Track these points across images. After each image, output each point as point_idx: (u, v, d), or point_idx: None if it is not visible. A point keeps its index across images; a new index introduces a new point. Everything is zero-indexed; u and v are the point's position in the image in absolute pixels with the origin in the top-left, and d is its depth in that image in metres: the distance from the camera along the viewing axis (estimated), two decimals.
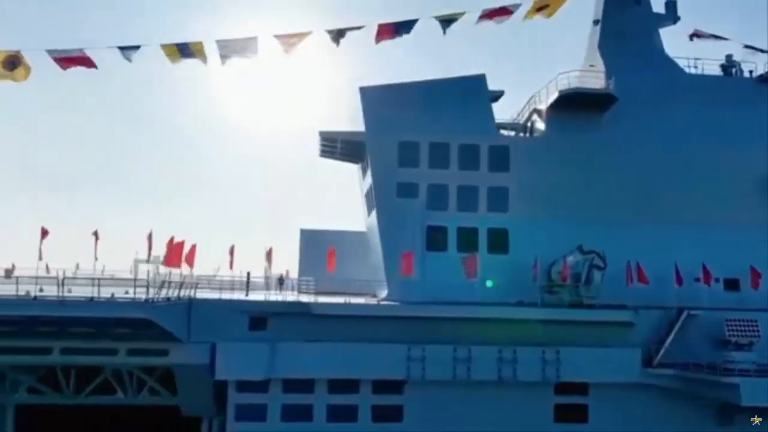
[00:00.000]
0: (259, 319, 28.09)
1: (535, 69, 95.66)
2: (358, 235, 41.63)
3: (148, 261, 34.32)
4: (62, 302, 22.11)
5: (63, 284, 22.37)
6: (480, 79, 32.65)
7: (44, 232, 26.78)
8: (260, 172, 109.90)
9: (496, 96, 34.02)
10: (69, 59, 35.29)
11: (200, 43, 34.18)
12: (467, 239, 31.69)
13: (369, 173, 33.40)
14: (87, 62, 35.24)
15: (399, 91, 32.06)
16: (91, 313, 22.82)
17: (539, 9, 33.73)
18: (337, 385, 28.26)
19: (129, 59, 34.46)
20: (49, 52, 35.59)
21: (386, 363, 27.85)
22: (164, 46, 34.45)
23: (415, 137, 31.87)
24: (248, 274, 36.10)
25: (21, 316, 22.84)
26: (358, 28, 33.96)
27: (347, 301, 28.60)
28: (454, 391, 28.31)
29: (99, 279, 22.45)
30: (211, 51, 33.68)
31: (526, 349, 28.29)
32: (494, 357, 28.14)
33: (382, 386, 28.46)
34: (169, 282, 24.38)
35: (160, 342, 26.58)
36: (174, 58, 34.42)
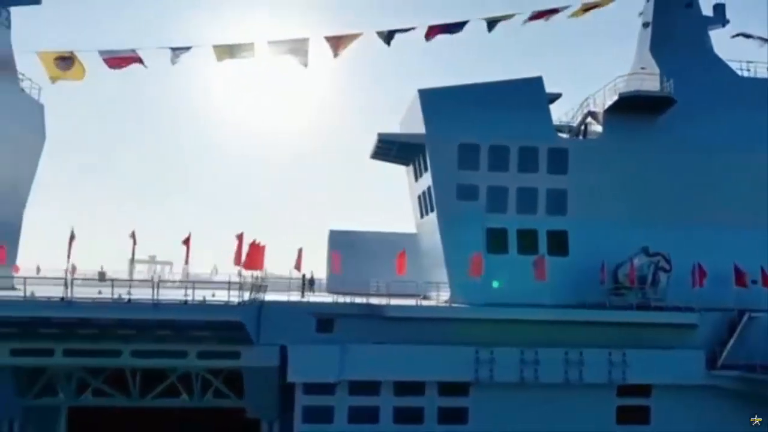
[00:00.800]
0: (327, 320, 28.15)
1: (566, 70, 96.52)
2: (386, 236, 41.96)
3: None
4: (156, 305, 22.08)
5: (158, 286, 22.39)
6: (537, 82, 32.71)
7: (133, 236, 26.72)
8: (291, 171, 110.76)
9: (553, 98, 34.13)
10: (119, 59, 35.53)
11: (252, 44, 34.53)
12: (527, 241, 31.77)
13: (426, 175, 33.42)
14: (136, 62, 35.49)
15: (458, 94, 32.10)
16: (184, 317, 22.79)
17: (587, 9, 34.17)
18: (403, 388, 28.33)
19: (175, 60, 34.85)
20: (101, 52, 35.86)
21: (454, 365, 27.94)
22: (216, 47, 34.77)
23: (475, 139, 31.90)
24: (305, 276, 36.21)
25: (113, 320, 22.85)
26: (410, 29, 34.33)
27: (419, 304, 28.68)
28: (519, 392, 28.38)
29: (193, 282, 22.33)
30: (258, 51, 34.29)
31: (592, 351, 28.40)
32: (561, 359, 28.26)
33: (447, 388, 28.55)
34: (257, 284, 24.33)
35: (231, 345, 26.64)
36: (223, 59, 34.71)
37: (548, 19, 33.42)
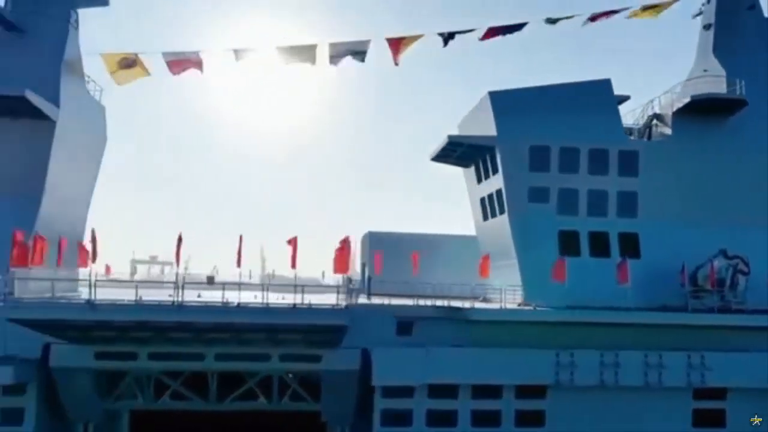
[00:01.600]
0: (407, 323, 28.09)
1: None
2: (424, 238, 42.09)
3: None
4: (267, 309, 22.02)
5: (267, 290, 22.34)
6: (607, 84, 32.66)
7: (240, 240, 26.69)
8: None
9: (621, 100, 34.08)
10: (180, 63, 35.53)
11: (314, 46, 34.50)
12: (599, 244, 31.73)
13: (493, 178, 33.40)
14: (197, 66, 35.50)
15: (529, 96, 32.06)
16: (293, 320, 22.73)
17: (646, 9, 34.20)
18: (481, 391, 28.27)
19: (236, 63, 34.85)
20: (164, 55, 35.84)
21: (534, 368, 27.87)
22: (279, 49, 34.75)
23: (545, 141, 31.87)
24: (370, 278, 36.14)
25: (218, 323, 22.80)
26: (470, 31, 34.31)
27: (502, 307, 28.64)
28: (597, 395, 28.32)
29: (303, 286, 22.25)
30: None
31: (671, 354, 28.33)
32: (641, 362, 28.18)
33: (525, 391, 28.49)
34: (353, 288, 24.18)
35: (314, 348, 26.58)
36: (285, 61, 34.71)
37: (608, 18, 33.64)
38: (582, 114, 32.08)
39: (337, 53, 34.32)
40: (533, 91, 32.15)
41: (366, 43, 33.68)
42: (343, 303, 23.42)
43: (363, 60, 34.14)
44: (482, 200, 35.90)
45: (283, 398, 28.67)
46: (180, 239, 27.17)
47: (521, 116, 31.87)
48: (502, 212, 32.95)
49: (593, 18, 33.71)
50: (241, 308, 22.25)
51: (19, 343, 26.19)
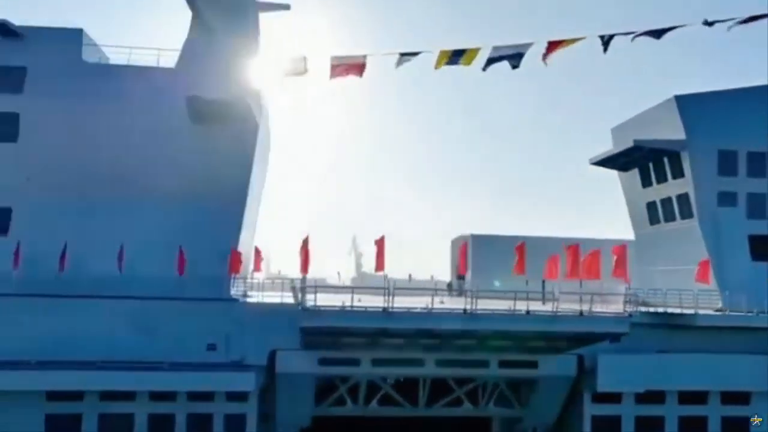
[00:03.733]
0: None
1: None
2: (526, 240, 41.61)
3: None
4: (555, 317, 21.87)
5: (557, 299, 22.23)
6: None
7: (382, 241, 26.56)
8: None
9: None
10: (342, 68, 35.37)
11: (476, 50, 34.33)
12: None
13: (673, 182, 33.25)
14: (358, 70, 35.35)
15: (716, 99, 31.85)
16: (577, 328, 22.55)
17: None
18: (687, 396, 28.09)
19: (399, 66, 34.70)
20: (332, 58, 35.66)
21: (745, 374, 27.67)
22: (443, 52, 34.59)
23: (733, 146, 31.68)
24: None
25: (515, 332, 22.74)
26: (628, 33, 33.96)
27: (726, 313, 28.47)
28: None
29: (592, 294, 22.03)
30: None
31: None
32: None
33: (730, 397, 28.30)
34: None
35: (531, 354, 26.43)
36: (441, 64, 34.57)
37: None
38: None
39: (496, 56, 34.21)
40: (721, 94, 31.91)
41: (527, 45, 33.56)
42: (627, 310, 23.17)
43: (517, 65, 33.94)
44: (650, 204, 35.67)
45: (488, 403, 28.50)
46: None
47: (710, 120, 31.72)
48: (685, 216, 32.75)
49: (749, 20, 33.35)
50: (530, 315, 22.06)
51: (246, 351, 26.34)
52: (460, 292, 36.87)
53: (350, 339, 24.64)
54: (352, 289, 25.14)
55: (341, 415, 28.36)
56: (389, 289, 21.74)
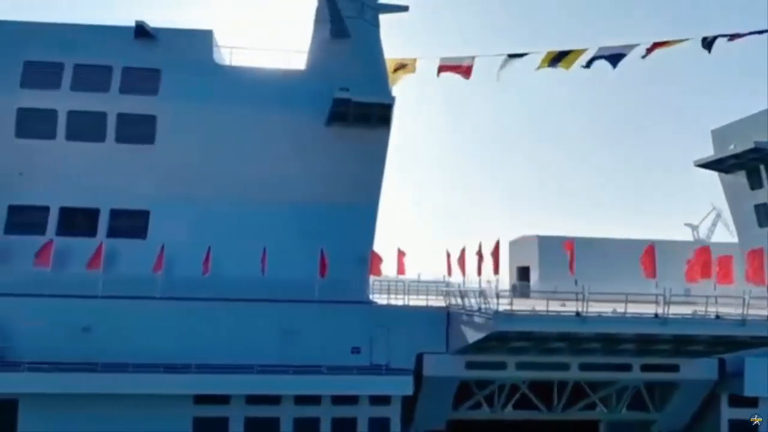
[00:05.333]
0: None
1: None
2: (592, 242, 41.88)
3: None
4: (745, 322, 21.69)
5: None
6: None
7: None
8: None
9: None
10: (451, 67, 35.46)
11: (581, 51, 34.36)
12: None
13: None
14: (465, 71, 35.41)
15: None
16: (743, 332, 22.30)
17: None
18: None
19: (503, 68, 34.79)
20: (442, 60, 35.73)
21: None
22: (549, 52, 34.64)
23: None
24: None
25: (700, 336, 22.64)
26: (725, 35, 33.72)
27: None
28: None
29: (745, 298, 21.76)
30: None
31: None
32: None
33: None
34: None
35: (673, 358, 26.31)
36: (545, 65, 34.64)
37: None
38: None
39: (598, 56, 34.36)
40: None
41: (632, 47, 33.60)
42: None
43: (615, 65, 33.99)
44: (759, 207, 35.53)
45: (622, 407, 28.40)
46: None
47: None
48: None
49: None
50: (720, 320, 21.90)
51: (392, 354, 26.28)
52: (525, 294, 36.83)
53: (504, 344, 24.40)
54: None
55: (473, 419, 28.28)
56: (584, 294, 21.59)
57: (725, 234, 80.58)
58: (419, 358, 26.11)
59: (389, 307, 27.52)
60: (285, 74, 29.29)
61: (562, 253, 41.32)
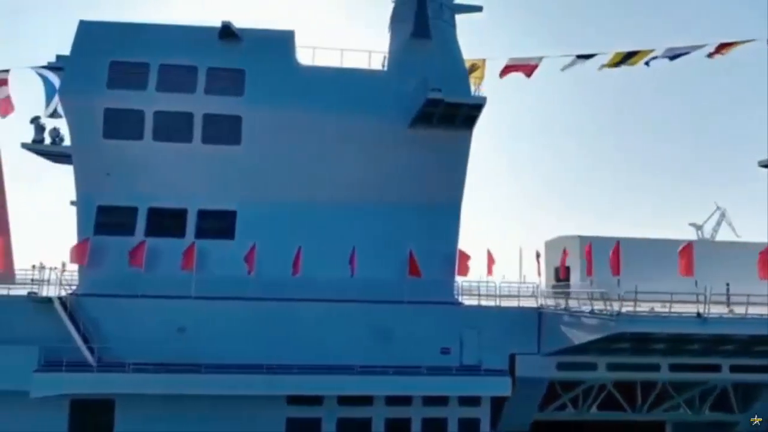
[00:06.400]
0: None
1: None
2: (640, 242, 41.77)
3: None
4: None
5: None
6: None
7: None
8: None
9: None
10: (513, 67, 35.44)
11: (648, 51, 34.46)
12: None
13: None
14: (528, 70, 35.38)
15: None
16: None
17: None
18: None
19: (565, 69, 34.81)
20: (509, 59, 35.72)
21: None
22: (617, 53, 34.68)
23: None
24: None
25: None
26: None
27: None
28: None
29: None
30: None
31: None
32: None
33: None
34: None
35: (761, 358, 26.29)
36: (611, 65, 34.71)
37: None
38: None
39: (659, 56, 34.65)
40: None
41: (698, 47, 33.71)
42: None
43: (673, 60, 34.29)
44: None
45: (705, 408, 28.43)
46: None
47: None
48: None
49: None
50: None
51: (484, 355, 26.36)
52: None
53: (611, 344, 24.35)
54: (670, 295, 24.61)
55: (557, 420, 28.31)
56: (705, 296, 21.60)
57: (729, 234, 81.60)
58: (511, 359, 26.20)
59: (480, 308, 27.56)
60: (367, 75, 29.22)
61: (603, 253, 41.57)
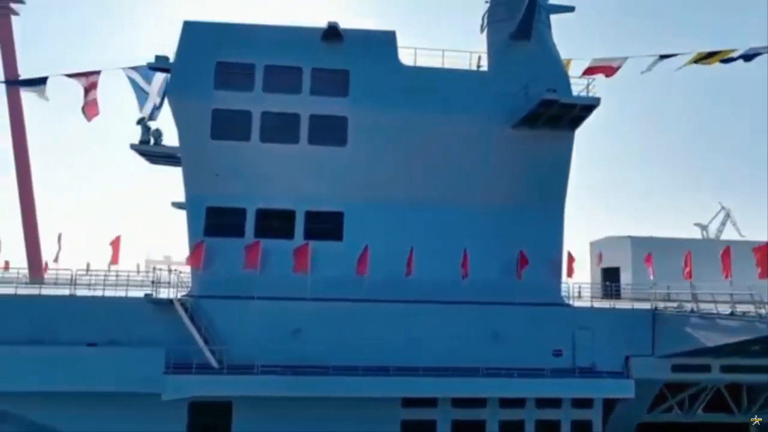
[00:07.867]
0: None
1: None
2: (680, 242, 41.72)
3: None
4: None
5: None
6: None
7: None
8: None
9: None
10: (596, 68, 35.33)
11: (729, 51, 34.37)
12: None
13: None
14: (610, 71, 35.29)
15: None
16: None
17: None
18: None
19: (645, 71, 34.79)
20: (593, 60, 35.62)
21: None
22: (699, 53, 34.61)
23: None
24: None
25: None
26: None
27: None
28: None
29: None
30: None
31: None
32: None
33: None
34: None
35: None
36: (689, 64, 34.68)
37: None
38: None
39: (735, 56, 34.79)
40: None
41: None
42: None
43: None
44: None
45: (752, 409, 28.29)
46: None
47: None
48: None
49: None
50: None
51: (597, 357, 26.26)
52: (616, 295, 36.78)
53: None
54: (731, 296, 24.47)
55: (664, 421, 28.17)
56: None
57: (734, 234, 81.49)
58: (626, 361, 26.08)
59: (592, 310, 27.45)
60: (469, 75, 29.07)
61: (658, 255, 41.39)
